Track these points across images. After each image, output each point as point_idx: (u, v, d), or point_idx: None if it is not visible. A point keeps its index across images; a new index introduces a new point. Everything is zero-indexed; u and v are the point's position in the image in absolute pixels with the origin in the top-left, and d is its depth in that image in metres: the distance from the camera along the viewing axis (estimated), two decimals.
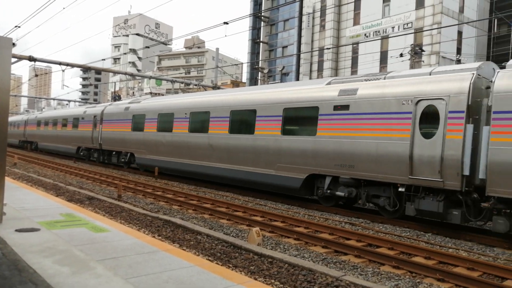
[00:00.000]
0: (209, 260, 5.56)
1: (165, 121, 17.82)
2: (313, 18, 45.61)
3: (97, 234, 6.21)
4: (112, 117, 22.67)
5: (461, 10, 36.48)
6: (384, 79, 10.72)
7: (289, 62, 49.37)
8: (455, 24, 33.15)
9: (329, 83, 11.95)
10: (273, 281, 4.92)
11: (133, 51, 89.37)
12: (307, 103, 11.95)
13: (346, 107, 10.90)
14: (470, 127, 8.70)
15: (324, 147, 11.26)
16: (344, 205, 11.84)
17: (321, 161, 11.36)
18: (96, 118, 24.59)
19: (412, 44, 30.14)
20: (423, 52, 29.95)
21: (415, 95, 9.59)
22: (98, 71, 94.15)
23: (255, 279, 4.84)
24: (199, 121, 15.77)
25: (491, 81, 8.76)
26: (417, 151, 9.35)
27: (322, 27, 44.62)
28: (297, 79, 46.21)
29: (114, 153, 22.85)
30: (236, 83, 59.73)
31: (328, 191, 11.33)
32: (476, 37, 37.17)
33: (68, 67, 23.32)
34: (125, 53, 72.09)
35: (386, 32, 38.17)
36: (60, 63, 22.85)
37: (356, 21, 41.59)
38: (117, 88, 70.83)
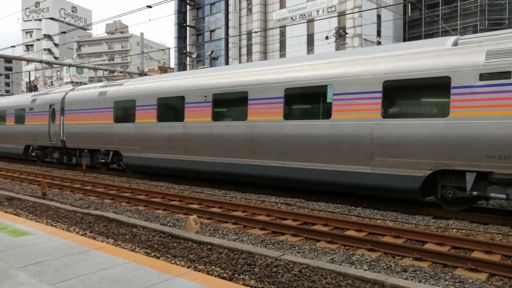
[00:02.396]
0: (147, 252, 5.36)
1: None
2: (240, 1, 45.39)
3: (18, 238, 5.68)
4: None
5: None
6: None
7: (218, 46, 48.88)
8: (374, 8, 34.96)
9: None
10: (213, 267, 4.88)
11: (48, 37, 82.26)
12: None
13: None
14: (62, 117, 18.41)
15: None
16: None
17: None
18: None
19: (336, 27, 31.32)
20: (346, 35, 31.27)
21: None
22: (9, 60, 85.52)
23: (195, 267, 4.76)
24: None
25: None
26: (51, 130, 19.11)
27: (249, 10, 44.62)
28: (227, 63, 45.98)
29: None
30: (164, 69, 57.87)
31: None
32: (393, 21, 39.62)
33: None
34: (38, 39, 65.89)
35: (311, 15, 39.19)
36: None
37: (282, 5, 42.15)
38: (32, 78, 65.04)
